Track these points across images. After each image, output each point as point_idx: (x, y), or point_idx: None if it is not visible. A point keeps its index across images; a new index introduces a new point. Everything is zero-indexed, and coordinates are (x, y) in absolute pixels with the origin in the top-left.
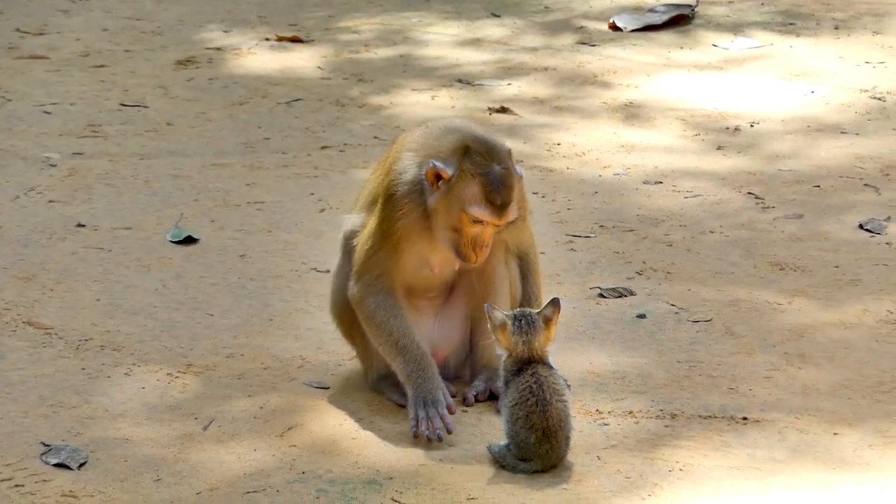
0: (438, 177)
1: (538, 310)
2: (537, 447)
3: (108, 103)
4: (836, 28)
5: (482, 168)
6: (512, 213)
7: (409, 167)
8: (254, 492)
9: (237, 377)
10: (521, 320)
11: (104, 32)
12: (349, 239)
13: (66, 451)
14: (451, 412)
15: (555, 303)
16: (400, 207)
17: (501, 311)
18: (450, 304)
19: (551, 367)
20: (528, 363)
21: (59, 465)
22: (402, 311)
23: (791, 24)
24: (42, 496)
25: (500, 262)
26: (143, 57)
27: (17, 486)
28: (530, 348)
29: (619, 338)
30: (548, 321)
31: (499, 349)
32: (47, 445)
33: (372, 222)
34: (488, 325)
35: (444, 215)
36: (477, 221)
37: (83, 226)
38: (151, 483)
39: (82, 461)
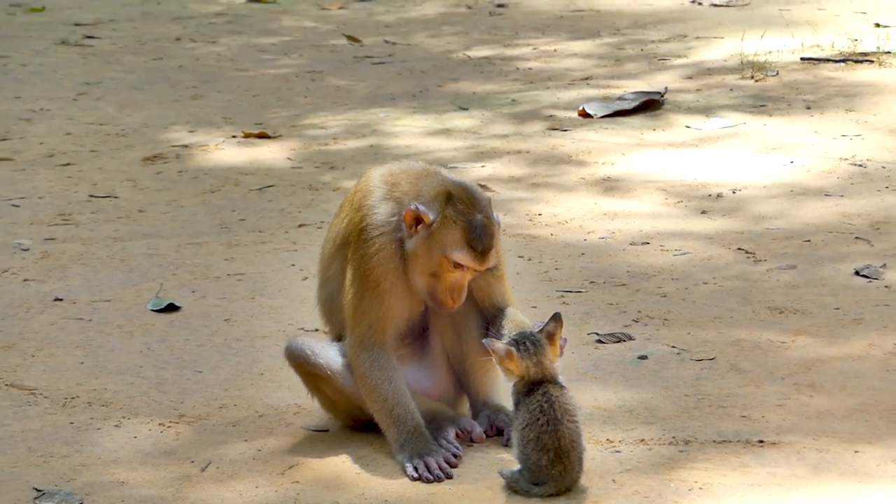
0: (418, 221)
1: (538, 329)
2: (550, 469)
3: (77, 195)
4: (808, 108)
5: (465, 216)
6: (492, 258)
7: (380, 203)
8: None
9: (232, 425)
10: (525, 343)
11: (68, 136)
12: (324, 287)
13: (59, 494)
14: (452, 464)
15: (556, 318)
16: (374, 244)
17: (500, 342)
18: (428, 347)
19: (562, 387)
20: (539, 383)
21: None
22: (395, 372)
23: (762, 105)
24: None
25: (468, 302)
26: (110, 156)
27: None
28: (542, 368)
29: (621, 377)
30: (551, 337)
31: (508, 379)
32: (40, 491)
33: (349, 270)
34: (493, 360)
35: (424, 260)
36: (457, 266)
37: (61, 300)
38: None
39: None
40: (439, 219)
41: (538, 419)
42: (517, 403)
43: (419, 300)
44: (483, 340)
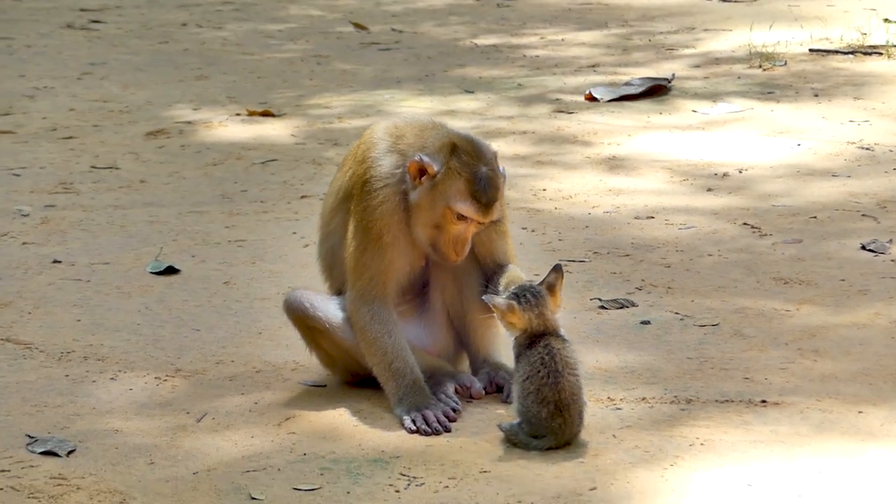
0: (422, 172)
1: (539, 281)
2: (549, 421)
3: (79, 166)
4: (816, 95)
5: (470, 167)
6: (496, 211)
7: (385, 155)
8: (253, 471)
9: (228, 379)
10: (525, 295)
11: (71, 112)
12: (325, 242)
13: (52, 441)
14: (450, 417)
15: (557, 269)
16: (378, 195)
17: (500, 296)
18: (428, 303)
19: (564, 340)
20: (541, 336)
21: (47, 453)
22: (395, 326)
23: (770, 92)
24: (30, 479)
25: (469, 258)
26: (113, 130)
27: (2, 471)
28: (544, 319)
29: (624, 340)
30: (552, 288)
31: (511, 333)
32: (32, 437)
33: (351, 223)
34: (495, 315)
35: (427, 211)
36: (461, 218)
37: (59, 262)
38: (145, 466)
39: (70, 449)
40: (443, 170)
41: (539, 371)
42: (518, 356)
43: (421, 254)
44: (483, 297)
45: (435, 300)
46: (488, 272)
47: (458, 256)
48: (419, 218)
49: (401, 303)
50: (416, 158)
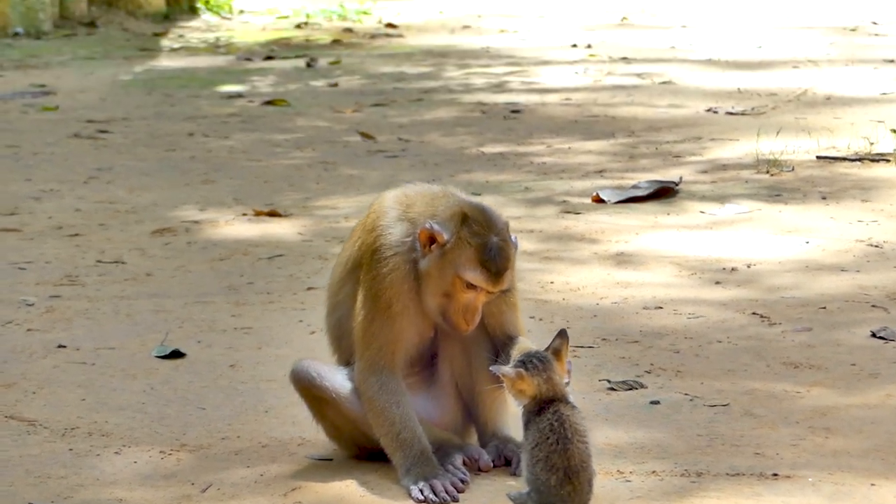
0: (432, 240)
1: (545, 348)
2: (559, 489)
3: (84, 261)
4: (824, 198)
5: (480, 236)
6: (506, 281)
7: (394, 224)
8: None
9: (234, 453)
10: (532, 361)
11: (77, 212)
12: (333, 313)
13: None
14: (458, 488)
15: (562, 334)
16: (387, 264)
17: (507, 366)
18: (436, 375)
19: (573, 406)
20: (549, 402)
21: None
22: (404, 396)
23: (777, 195)
24: None
25: (479, 330)
26: (118, 229)
27: None
28: (553, 384)
29: (633, 419)
30: (558, 353)
31: (519, 402)
32: None
33: (360, 292)
34: (504, 385)
35: (437, 280)
36: (471, 287)
37: (64, 346)
38: None
39: None
40: (454, 239)
41: (548, 438)
42: (527, 423)
43: (430, 325)
44: (490, 368)
45: (443, 372)
46: (498, 344)
47: (469, 326)
48: (429, 286)
49: (409, 374)
50: (427, 226)
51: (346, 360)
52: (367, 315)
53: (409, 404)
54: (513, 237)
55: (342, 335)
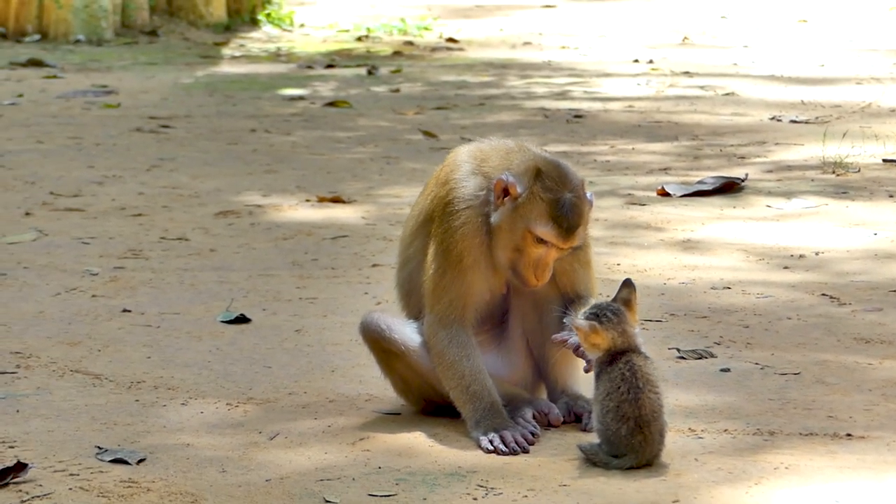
0: (506, 192)
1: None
2: (629, 439)
3: (148, 237)
4: (891, 196)
5: (553, 191)
6: (578, 237)
7: (469, 177)
8: (328, 480)
9: (301, 407)
10: (606, 314)
11: (140, 195)
12: (404, 267)
13: (122, 451)
14: (528, 440)
15: (627, 283)
16: (460, 217)
17: (580, 318)
18: (507, 332)
19: (646, 357)
20: (622, 353)
21: (116, 461)
22: (474, 350)
23: (844, 192)
24: (99, 482)
25: (551, 287)
26: (182, 210)
27: (71, 475)
28: (627, 336)
29: (704, 384)
30: (628, 303)
31: (592, 355)
32: (102, 448)
33: (432, 245)
34: (578, 337)
35: (508, 233)
36: (541, 242)
37: (128, 311)
38: (216, 473)
39: (140, 458)
40: (526, 193)
41: (619, 388)
42: (598, 374)
43: (501, 281)
44: (565, 320)
45: (514, 329)
46: (568, 303)
47: (539, 281)
48: (500, 240)
49: (479, 332)
50: (503, 178)
51: (415, 316)
52: (438, 268)
53: (479, 357)
54: (588, 194)
55: (412, 290)
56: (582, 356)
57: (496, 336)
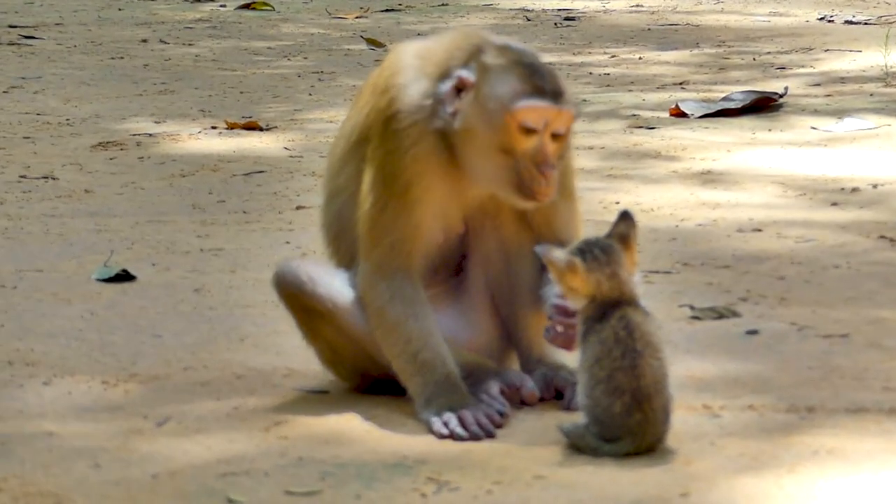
0: (460, 90)
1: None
2: (625, 418)
3: (4, 176)
4: None
5: (511, 57)
6: (571, 105)
7: (415, 81)
8: (232, 474)
9: (199, 385)
10: (592, 251)
11: None
12: (331, 202)
13: None
14: (495, 421)
15: (626, 216)
16: (405, 134)
17: (560, 251)
18: (466, 284)
19: (645, 312)
20: (615, 306)
21: None
22: (423, 306)
23: None
24: None
25: (521, 224)
26: (49, 142)
27: None
28: (618, 282)
29: (723, 350)
30: (625, 240)
31: (574, 303)
32: None
33: (368, 172)
34: (551, 275)
35: (483, 134)
36: (528, 131)
37: None
38: (87, 468)
39: None
40: (478, 74)
41: (611, 351)
42: (585, 334)
43: (459, 215)
44: (536, 248)
45: (475, 280)
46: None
47: (549, 187)
48: (476, 148)
49: (431, 284)
50: (455, 75)
51: (347, 264)
52: (377, 201)
53: (430, 316)
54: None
55: (343, 230)
56: (559, 341)
57: (452, 289)
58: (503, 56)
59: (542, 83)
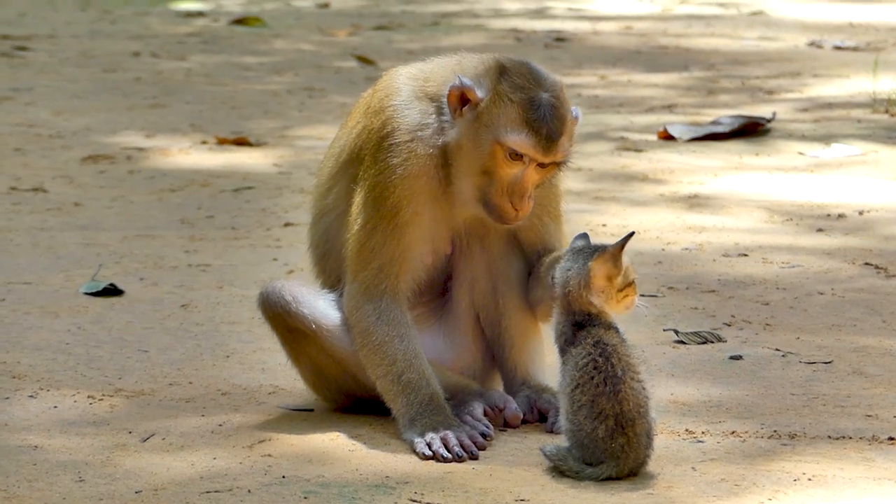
0: (464, 101)
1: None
2: (608, 442)
3: None
4: None
5: (525, 91)
6: (562, 150)
7: (410, 102)
8: (215, 492)
9: (184, 401)
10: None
11: None
12: (319, 222)
13: None
14: (478, 443)
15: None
16: (400, 153)
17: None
18: (451, 306)
19: (617, 330)
20: (584, 325)
21: None
22: (408, 328)
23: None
24: None
25: (509, 245)
26: (39, 154)
27: None
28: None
29: (707, 375)
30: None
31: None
32: None
33: (358, 192)
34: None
35: (472, 152)
36: (515, 158)
37: None
38: (72, 483)
39: None
40: (490, 95)
41: (592, 377)
42: (563, 352)
43: (447, 237)
44: (575, 241)
45: (460, 301)
46: (533, 265)
47: (519, 212)
48: (462, 163)
49: (416, 305)
50: (456, 82)
51: (333, 284)
52: (366, 223)
53: (415, 338)
54: (574, 109)
55: (329, 251)
56: None
57: (437, 310)
58: (520, 90)
59: (540, 125)
